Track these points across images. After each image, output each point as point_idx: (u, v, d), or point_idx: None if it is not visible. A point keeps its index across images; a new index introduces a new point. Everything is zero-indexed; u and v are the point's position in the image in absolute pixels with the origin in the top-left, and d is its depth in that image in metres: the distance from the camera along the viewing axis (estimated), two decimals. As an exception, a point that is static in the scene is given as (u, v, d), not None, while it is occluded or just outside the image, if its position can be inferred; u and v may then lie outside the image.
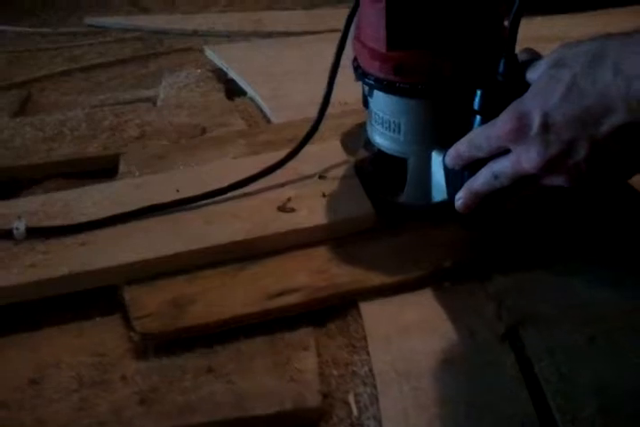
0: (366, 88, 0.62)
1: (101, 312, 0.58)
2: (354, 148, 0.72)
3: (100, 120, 0.85)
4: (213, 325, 0.55)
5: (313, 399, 0.49)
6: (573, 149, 0.45)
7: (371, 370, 0.51)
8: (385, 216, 0.63)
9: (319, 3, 1.28)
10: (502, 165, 0.50)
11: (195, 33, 1.15)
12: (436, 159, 0.60)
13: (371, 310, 0.56)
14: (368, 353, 0.53)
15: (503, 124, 0.48)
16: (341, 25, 0.64)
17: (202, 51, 1.08)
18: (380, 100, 0.61)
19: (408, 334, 0.54)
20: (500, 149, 0.50)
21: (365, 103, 0.66)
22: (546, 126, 0.45)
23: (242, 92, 0.95)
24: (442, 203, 0.61)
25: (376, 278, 0.57)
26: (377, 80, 0.59)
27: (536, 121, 0.46)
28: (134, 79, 1.03)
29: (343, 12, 0.64)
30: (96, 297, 0.59)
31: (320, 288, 0.57)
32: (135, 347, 0.54)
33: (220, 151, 0.75)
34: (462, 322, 0.54)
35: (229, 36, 1.14)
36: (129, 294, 0.58)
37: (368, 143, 0.68)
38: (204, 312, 0.55)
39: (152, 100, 0.93)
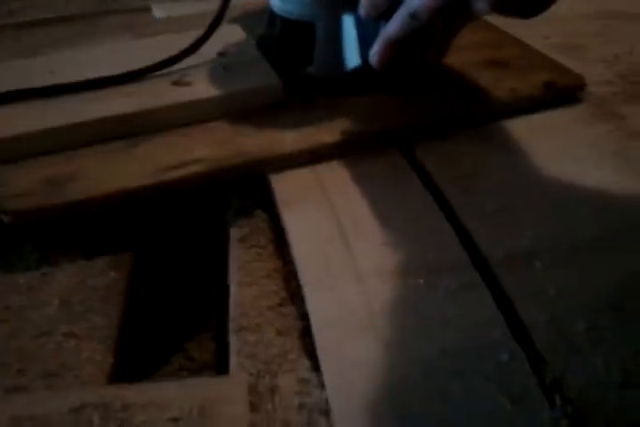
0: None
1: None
2: (253, 28, 0.64)
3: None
4: (98, 199, 0.46)
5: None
6: None
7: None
8: (294, 91, 0.57)
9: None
10: None
11: None
12: (348, 21, 0.54)
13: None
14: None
15: None
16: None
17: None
18: (281, -46, 0.54)
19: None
20: None
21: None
22: None
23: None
24: (356, 70, 0.55)
25: (287, 146, 0.51)
26: None
27: None
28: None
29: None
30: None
31: (224, 157, 0.49)
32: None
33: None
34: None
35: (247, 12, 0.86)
36: (-5, 173, 0.48)
37: (271, 22, 0.62)
38: (87, 187, 0.47)
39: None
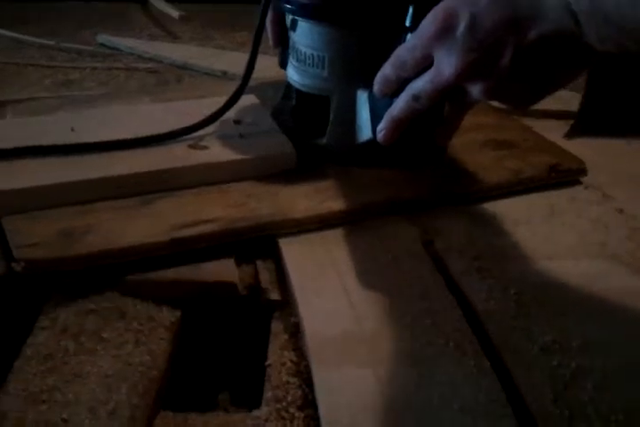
0: (289, 20, 0.59)
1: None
2: (267, 98, 0.67)
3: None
4: (111, 254, 0.47)
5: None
6: (496, 55, 0.42)
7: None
8: (306, 160, 0.59)
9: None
10: (422, 82, 0.46)
11: (223, 74, 0.90)
12: (362, 97, 0.57)
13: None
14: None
15: (428, 24, 0.44)
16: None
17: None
18: (304, 32, 0.57)
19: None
20: (425, 61, 0.46)
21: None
22: (472, 29, 0.42)
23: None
24: (367, 144, 0.57)
25: (298, 212, 0.52)
26: (302, 6, 0.55)
27: (462, 22, 0.42)
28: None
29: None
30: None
31: (237, 219, 0.51)
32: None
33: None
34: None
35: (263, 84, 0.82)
36: (11, 223, 0.49)
37: (287, 95, 0.65)
38: (101, 241, 0.48)
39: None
